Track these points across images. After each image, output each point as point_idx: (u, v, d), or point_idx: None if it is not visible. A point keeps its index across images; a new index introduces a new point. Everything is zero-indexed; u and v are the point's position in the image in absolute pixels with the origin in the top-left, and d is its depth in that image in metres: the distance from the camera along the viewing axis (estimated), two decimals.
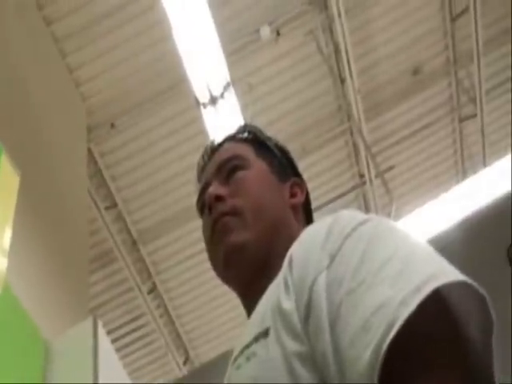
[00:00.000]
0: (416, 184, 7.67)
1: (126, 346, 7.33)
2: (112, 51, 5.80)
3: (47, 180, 4.61)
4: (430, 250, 0.84)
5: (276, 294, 0.91)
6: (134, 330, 7.35)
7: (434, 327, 0.77)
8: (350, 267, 0.81)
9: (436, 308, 0.77)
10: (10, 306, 3.24)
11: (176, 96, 6.19)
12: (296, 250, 0.93)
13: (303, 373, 0.81)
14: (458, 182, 7.12)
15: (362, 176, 7.27)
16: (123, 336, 7.27)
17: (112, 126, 6.21)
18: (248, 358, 0.89)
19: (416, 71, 6.94)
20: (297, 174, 1.27)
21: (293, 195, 1.20)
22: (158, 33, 5.73)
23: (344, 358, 0.76)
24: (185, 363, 7.72)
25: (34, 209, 4.18)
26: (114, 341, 6.57)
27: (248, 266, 1.08)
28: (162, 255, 7.09)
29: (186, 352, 7.81)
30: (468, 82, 7.14)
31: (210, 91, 5.72)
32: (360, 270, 0.80)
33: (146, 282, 7.10)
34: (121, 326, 7.22)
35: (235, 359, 0.92)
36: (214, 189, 1.15)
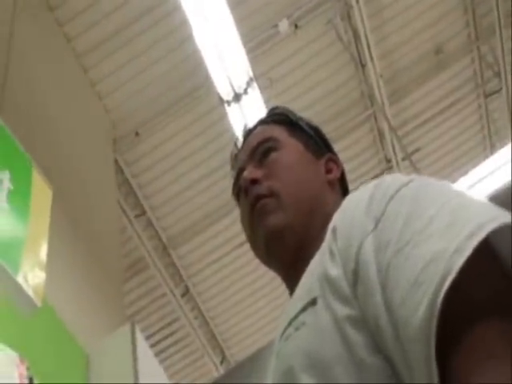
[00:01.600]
0: (444, 164, 7.67)
1: (164, 350, 7.41)
2: (132, 61, 5.89)
3: (79, 193, 4.72)
4: (481, 199, 0.79)
5: (321, 264, 0.89)
6: (170, 334, 7.43)
7: (492, 274, 0.74)
8: (396, 228, 0.79)
9: (492, 254, 0.74)
10: (49, 318, 3.33)
11: (199, 98, 6.25)
12: (339, 218, 0.92)
13: (356, 336, 0.79)
14: (486, 157, 6.96)
15: (388, 161, 7.30)
16: (160, 341, 7.35)
17: (136, 134, 6.29)
18: (297, 328, 0.87)
19: (438, 51, 6.92)
20: (331, 151, 1.25)
21: (328, 171, 1.19)
22: (176, 38, 5.82)
23: (397, 318, 0.73)
24: (221, 363, 7.79)
25: (68, 222, 4.28)
26: (151, 346, 6.65)
27: (289, 248, 1.07)
28: (193, 258, 7.16)
29: (222, 352, 7.89)
30: (491, 57, 7.12)
31: (233, 88, 5.76)
32: (406, 229, 0.77)
33: (179, 286, 7.18)
34: (157, 331, 7.31)
35: (283, 332, 0.90)
36: (249, 172, 1.14)
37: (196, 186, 6.69)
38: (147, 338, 6.50)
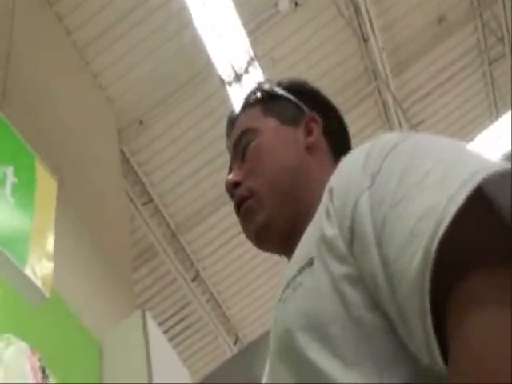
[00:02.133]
0: (450, 133, 7.60)
1: (177, 335, 7.47)
2: (132, 51, 5.91)
3: (85, 185, 4.74)
4: (480, 154, 0.77)
5: (318, 226, 0.88)
6: (182, 319, 7.49)
7: (487, 222, 0.73)
8: (392, 184, 0.77)
9: (488, 202, 0.73)
10: (59, 308, 3.37)
11: (200, 83, 6.26)
12: (336, 178, 0.90)
13: (353, 294, 0.78)
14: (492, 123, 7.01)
15: None
16: (173, 326, 7.41)
17: (140, 123, 6.33)
18: (294, 289, 0.87)
19: (441, 20, 6.89)
20: (322, 106, 1.22)
21: (309, 132, 1.17)
22: (175, 25, 5.82)
23: (393, 273, 0.72)
24: (235, 344, 7.85)
25: (76, 213, 4.31)
26: (164, 332, 6.70)
27: (282, 235, 1.08)
28: (202, 243, 7.20)
29: (235, 333, 7.94)
30: (494, 23, 7.09)
31: (234, 69, 5.77)
32: (401, 184, 0.76)
33: (189, 271, 7.22)
34: (169, 317, 7.36)
35: (281, 295, 0.90)
36: (232, 176, 1.16)
37: (202, 171, 6.72)
38: (160, 324, 6.56)
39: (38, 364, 2.55)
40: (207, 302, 7.53)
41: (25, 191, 3.01)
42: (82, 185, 4.66)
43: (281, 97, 1.21)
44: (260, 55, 5.92)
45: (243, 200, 1.13)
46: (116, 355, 3.62)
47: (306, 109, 1.19)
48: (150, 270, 6.96)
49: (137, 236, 6.63)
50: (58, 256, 3.13)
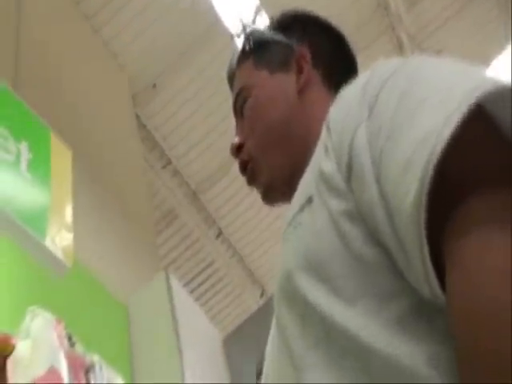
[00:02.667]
0: (468, 60, 7.54)
1: (204, 294, 7.56)
2: (140, 15, 5.92)
3: (103, 153, 4.80)
4: (485, 74, 0.73)
5: (317, 164, 0.86)
6: (208, 278, 7.58)
7: (487, 142, 0.69)
8: (389, 111, 0.74)
9: (488, 121, 0.70)
10: (83, 277, 3.45)
11: (210, 40, 6.26)
12: (332, 112, 0.86)
13: (352, 230, 0.76)
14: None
15: None
16: (200, 285, 7.50)
17: (154, 86, 6.35)
18: (295, 228, 0.85)
19: None
20: (309, 34, 1.17)
21: (300, 71, 1.12)
22: None
23: (391, 207, 0.70)
24: (261, 296, 7.95)
25: (95, 182, 4.38)
26: (191, 292, 6.80)
27: (287, 187, 1.02)
28: (222, 200, 7.25)
29: (261, 286, 8.04)
30: None
31: (242, 22, 5.73)
32: (399, 111, 0.72)
33: (212, 228, 7.30)
34: (195, 277, 7.44)
35: (283, 234, 0.88)
36: (235, 140, 1.15)
37: (218, 128, 6.71)
38: (186, 284, 6.65)
39: (63, 332, 2.62)
40: (231, 257, 7.62)
41: (40, 165, 3.06)
42: (99, 154, 4.71)
43: (270, 41, 1.17)
44: (267, 3, 5.87)
45: (245, 165, 1.13)
46: (142, 318, 3.70)
47: (294, 45, 1.14)
48: (173, 233, 7.04)
49: (157, 200, 6.69)
50: (79, 225, 3.20)
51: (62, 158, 3.29)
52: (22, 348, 2.47)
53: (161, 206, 6.80)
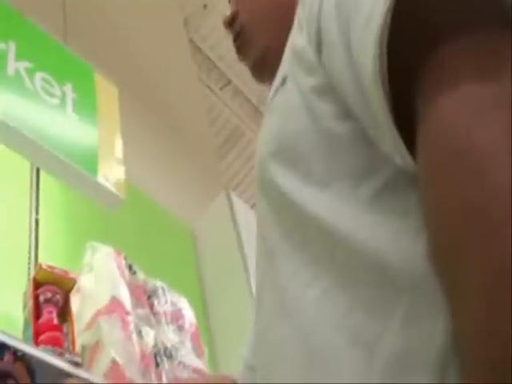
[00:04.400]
0: None
1: None
2: None
3: (159, 83, 4.83)
4: None
5: (292, 40, 0.83)
6: None
7: None
8: None
9: None
10: (144, 206, 3.55)
11: None
12: None
13: (322, 106, 0.73)
14: None
15: None
16: None
17: (204, 7, 6.30)
18: (271, 113, 0.83)
19: None
20: None
21: None
22: None
23: (357, 69, 0.65)
24: None
25: (153, 113, 4.44)
26: None
27: (276, 65, 0.94)
28: None
29: None
30: None
31: None
32: None
33: None
34: None
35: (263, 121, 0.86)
36: (227, 13, 1.14)
37: None
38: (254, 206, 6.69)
39: (123, 262, 2.73)
40: None
41: (86, 104, 3.12)
42: (155, 83, 4.75)
43: None
44: None
45: (236, 38, 1.12)
46: (207, 240, 3.78)
47: None
48: (241, 151, 7.06)
49: (220, 122, 6.70)
50: (138, 153, 3.25)
51: (107, 94, 3.35)
52: (87, 282, 2.58)
53: (225, 127, 6.80)
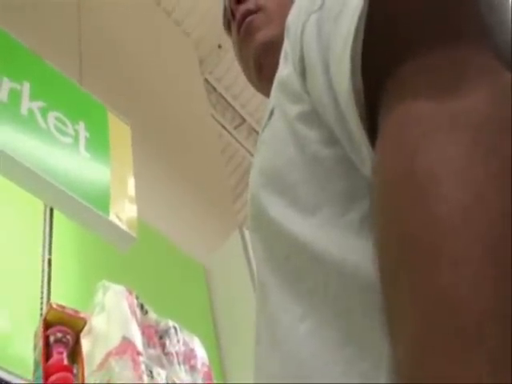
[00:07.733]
0: None
1: None
2: None
3: (173, 124, 4.86)
4: None
5: (278, 73, 0.80)
6: None
7: None
8: None
9: None
10: (161, 246, 3.53)
11: None
12: (289, 15, 0.79)
13: (307, 132, 0.71)
14: None
15: None
16: None
17: (219, 47, 6.36)
18: (259, 149, 0.81)
19: None
20: None
21: None
22: None
23: (335, 90, 0.63)
24: None
25: (167, 152, 4.46)
26: None
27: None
28: None
29: None
30: None
31: None
32: None
33: None
34: None
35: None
36: None
37: None
38: None
39: (135, 302, 2.70)
40: None
41: (99, 143, 3.13)
42: (168, 124, 4.78)
43: None
44: None
45: (247, 15, 1.01)
46: (221, 278, 3.75)
47: None
48: None
49: (234, 161, 6.72)
50: (152, 193, 3.23)
51: (120, 133, 3.36)
52: (99, 322, 2.55)
53: (240, 166, 6.81)
